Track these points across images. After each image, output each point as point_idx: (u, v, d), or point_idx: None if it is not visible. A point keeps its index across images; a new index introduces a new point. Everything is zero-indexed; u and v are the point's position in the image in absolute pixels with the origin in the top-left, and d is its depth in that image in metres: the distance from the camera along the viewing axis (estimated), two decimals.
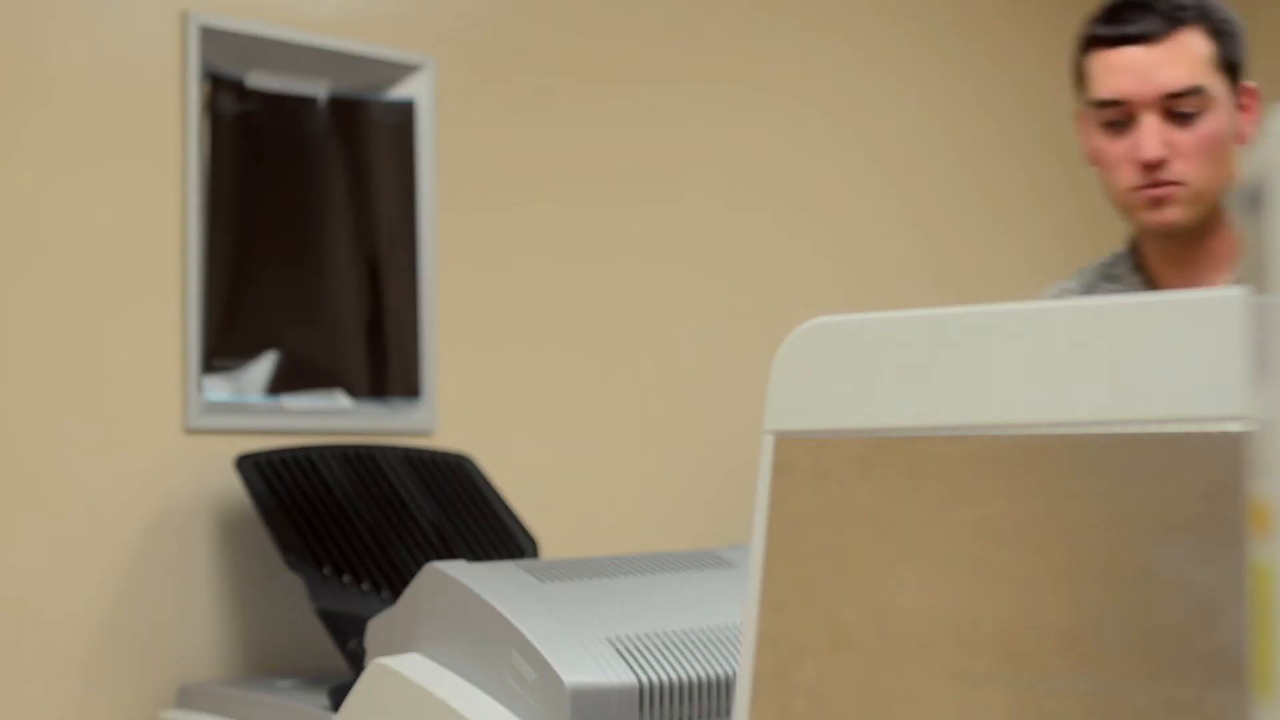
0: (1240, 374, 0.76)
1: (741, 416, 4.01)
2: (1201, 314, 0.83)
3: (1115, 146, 1.88)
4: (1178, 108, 1.87)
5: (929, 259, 4.63)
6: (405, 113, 3.54)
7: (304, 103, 3.29)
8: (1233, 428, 0.80)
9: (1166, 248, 1.99)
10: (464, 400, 3.62)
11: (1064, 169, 5.00)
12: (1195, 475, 0.82)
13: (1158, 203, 1.88)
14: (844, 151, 4.45)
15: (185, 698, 2.90)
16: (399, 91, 3.55)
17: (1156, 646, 0.82)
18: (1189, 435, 0.82)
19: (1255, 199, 0.57)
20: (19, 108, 2.93)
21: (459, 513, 3.09)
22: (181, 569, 2.99)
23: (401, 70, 3.51)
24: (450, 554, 2.95)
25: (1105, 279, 2.04)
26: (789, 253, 4.31)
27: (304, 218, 3.13)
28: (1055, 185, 4.99)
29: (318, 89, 3.33)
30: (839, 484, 0.94)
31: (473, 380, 3.64)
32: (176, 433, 3.03)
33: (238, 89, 3.19)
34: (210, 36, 3.13)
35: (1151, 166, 1.86)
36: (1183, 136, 1.88)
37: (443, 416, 3.57)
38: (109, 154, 3.01)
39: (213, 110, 3.16)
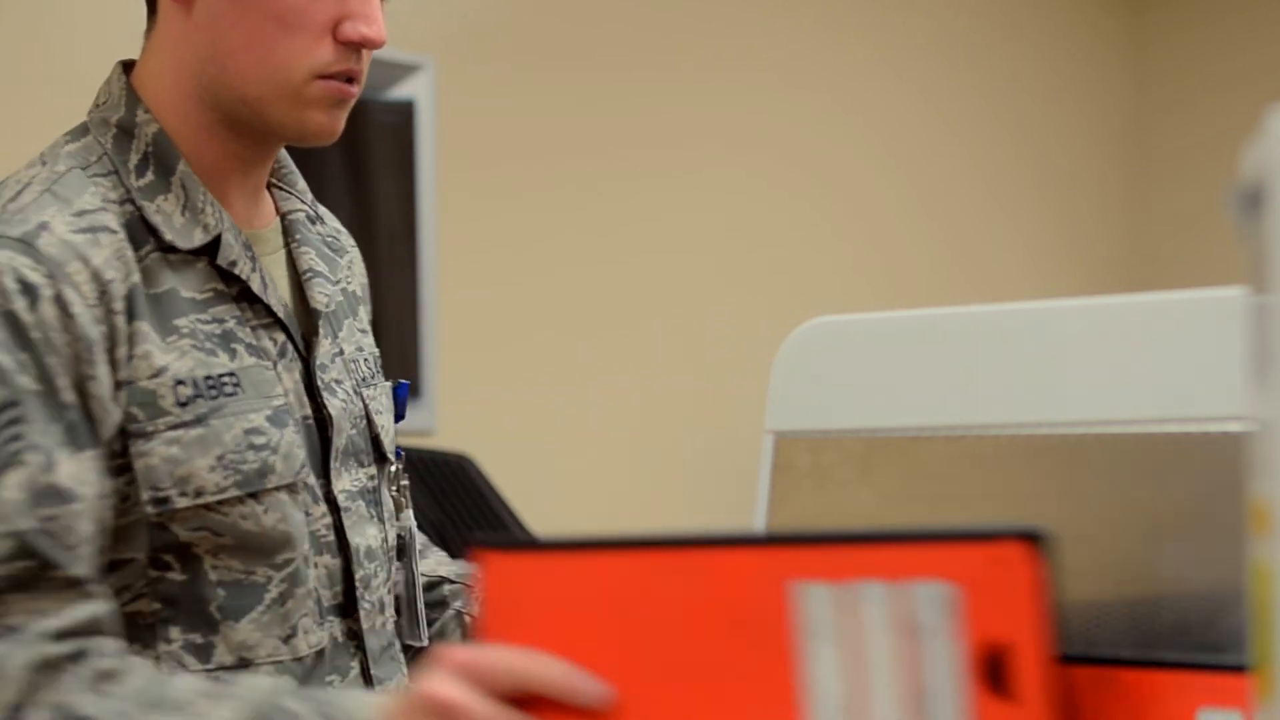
0: (1240, 374, 0.76)
1: (742, 415, 4.01)
2: (1201, 314, 0.83)
3: (316, 6, 1.22)
4: None
5: (940, 252, 4.63)
6: (405, 113, 3.54)
7: None
8: (1233, 428, 0.80)
9: (250, 155, 1.30)
10: (464, 400, 3.62)
11: (1073, 167, 5.00)
12: (1195, 475, 0.82)
13: (340, 104, 1.25)
14: (857, 143, 4.45)
15: None
16: (399, 91, 3.55)
17: (1156, 646, 0.82)
18: (1189, 435, 0.82)
19: (1255, 199, 0.57)
20: (21, 108, 2.93)
21: (459, 513, 3.09)
22: None
23: (401, 70, 3.51)
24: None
25: (144, 192, 1.24)
26: (794, 249, 4.31)
27: None
28: (1063, 182, 4.99)
29: None
30: (839, 484, 0.94)
31: (473, 380, 3.64)
32: None
33: None
34: None
35: (356, 51, 1.25)
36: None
37: (443, 416, 3.57)
38: None
39: None
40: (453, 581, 1.53)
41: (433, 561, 1.55)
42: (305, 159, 1.44)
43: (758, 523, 0.96)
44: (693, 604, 0.82)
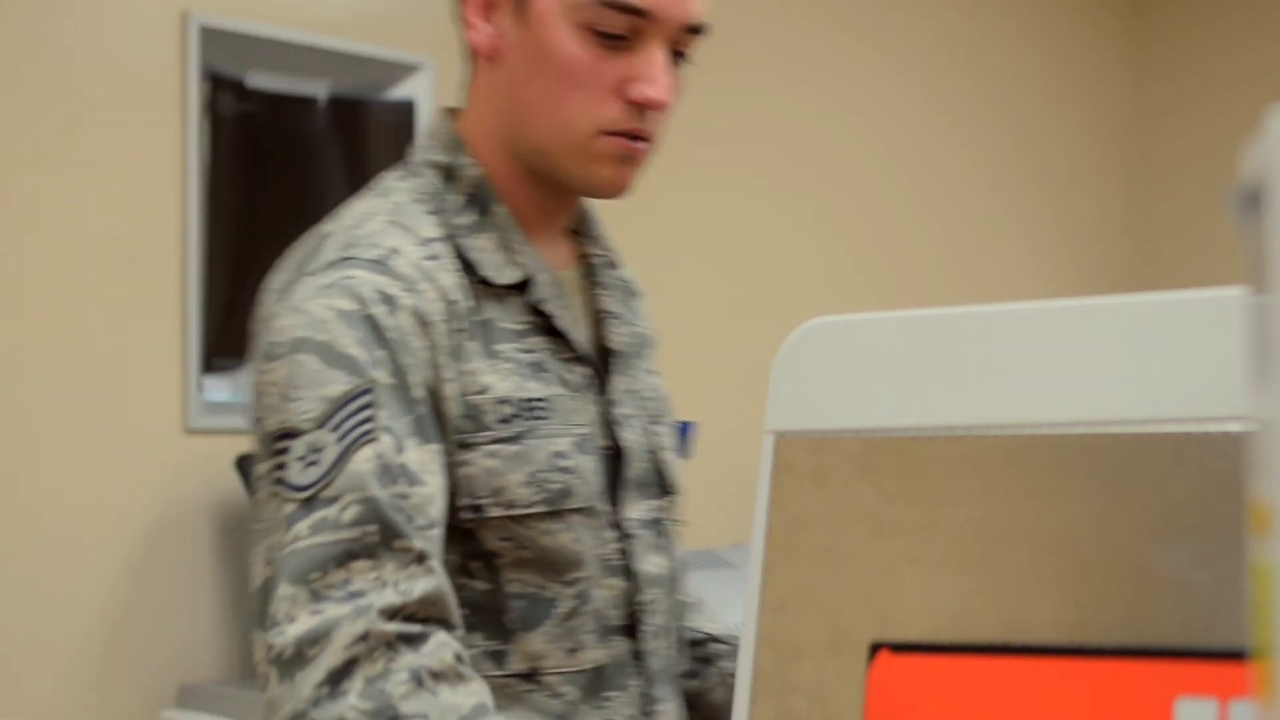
0: (1240, 374, 0.76)
1: (742, 415, 4.00)
2: (1202, 314, 0.83)
3: (605, 66, 1.33)
4: (683, 46, 1.38)
5: (940, 252, 4.63)
6: (405, 112, 3.54)
7: (304, 103, 3.29)
8: (1233, 428, 0.80)
9: (551, 204, 1.44)
10: None
11: (1073, 167, 5.00)
12: (1195, 475, 0.82)
13: (628, 160, 1.37)
14: (857, 143, 4.45)
15: (185, 697, 2.89)
16: (399, 91, 3.55)
17: (1156, 646, 0.82)
18: (1189, 435, 0.82)
19: (1255, 199, 0.57)
20: (20, 107, 2.93)
21: None
22: (181, 569, 2.99)
23: (401, 70, 3.51)
24: None
25: (465, 230, 1.37)
26: (794, 249, 4.31)
27: (304, 218, 3.12)
28: (1063, 182, 4.99)
29: (318, 89, 3.33)
30: (839, 484, 0.94)
31: None
32: (176, 433, 3.02)
33: (238, 89, 3.19)
34: (210, 36, 3.13)
35: (641, 111, 1.35)
36: (674, 86, 1.38)
37: None
38: (109, 153, 3.01)
39: (213, 110, 3.16)
40: (720, 640, 1.58)
41: (701, 618, 1.62)
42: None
43: (758, 523, 0.96)
44: (1078, 713, 0.82)
